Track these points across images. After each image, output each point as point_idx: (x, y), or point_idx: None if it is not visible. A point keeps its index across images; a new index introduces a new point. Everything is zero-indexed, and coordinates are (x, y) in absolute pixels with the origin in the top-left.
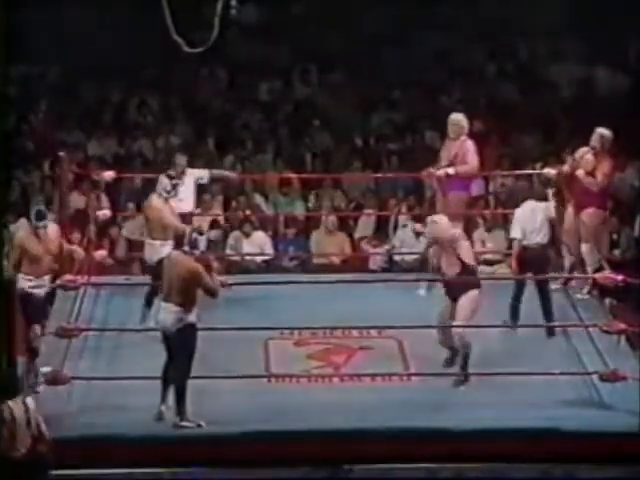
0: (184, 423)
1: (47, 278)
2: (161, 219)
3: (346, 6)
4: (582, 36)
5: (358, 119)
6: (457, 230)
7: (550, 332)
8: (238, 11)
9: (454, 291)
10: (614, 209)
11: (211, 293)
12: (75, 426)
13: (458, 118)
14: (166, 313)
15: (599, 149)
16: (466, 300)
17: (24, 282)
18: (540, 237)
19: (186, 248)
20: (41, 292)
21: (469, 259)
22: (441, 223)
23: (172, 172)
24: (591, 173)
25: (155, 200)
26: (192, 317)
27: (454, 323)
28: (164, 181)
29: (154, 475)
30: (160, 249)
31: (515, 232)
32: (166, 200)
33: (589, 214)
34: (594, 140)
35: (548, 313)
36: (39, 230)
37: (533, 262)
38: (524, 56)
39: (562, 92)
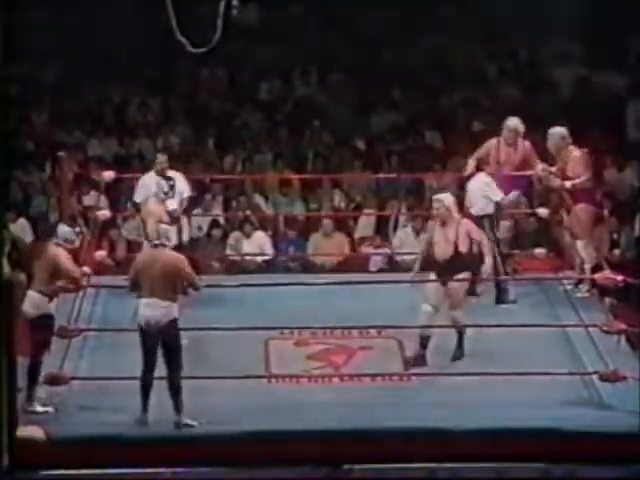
0: (188, 421)
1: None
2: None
3: (346, 6)
4: (582, 36)
5: (358, 119)
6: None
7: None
8: (240, 11)
9: (445, 274)
10: (614, 209)
11: (194, 286)
12: (75, 426)
13: (516, 124)
14: (154, 309)
15: (554, 149)
16: (457, 283)
17: (45, 303)
18: (474, 209)
19: (157, 242)
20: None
21: (463, 245)
22: (446, 201)
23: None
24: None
25: (152, 203)
26: (177, 311)
27: (448, 308)
28: (161, 182)
29: (154, 475)
30: None
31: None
32: (162, 202)
33: (578, 210)
34: (549, 141)
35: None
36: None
37: None
38: (524, 56)
39: (562, 92)
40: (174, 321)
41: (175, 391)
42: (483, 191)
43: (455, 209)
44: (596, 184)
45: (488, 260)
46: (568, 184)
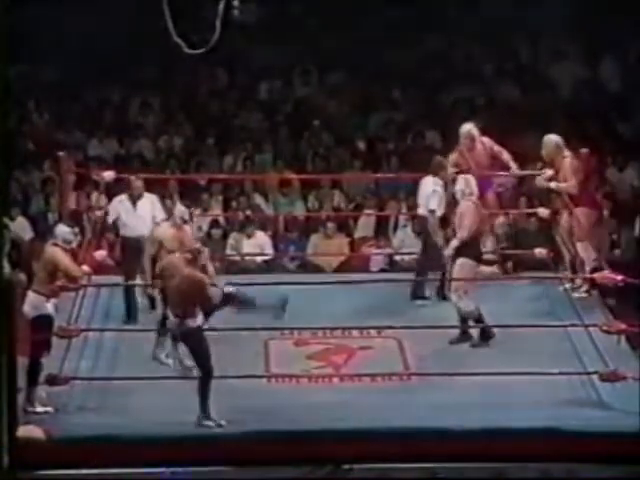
0: (206, 422)
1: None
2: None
3: (346, 6)
4: (582, 36)
5: (358, 119)
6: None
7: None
8: (240, 11)
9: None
10: (614, 209)
11: (206, 310)
12: (75, 426)
13: (470, 129)
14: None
15: (547, 157)
16: (455, 268)
17: (43, 303)
18: (421, 210)
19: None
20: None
21: (459, 228)
22: (458, 180)
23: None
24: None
25: (164, 224)
26: (195, 321)
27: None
28: (182, 210)
29: (154, 475)
30: None
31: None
32: (179, 228)
33: (579, 213)
34: (543, 149)
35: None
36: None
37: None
38: (524, 56)
39: (562, 92)
40: (197, 328)
41: (200, 394)
42: (427, 195)
43: (461, 191)
44: (596, 185)
45: (452, 243)
46: (552, 185)
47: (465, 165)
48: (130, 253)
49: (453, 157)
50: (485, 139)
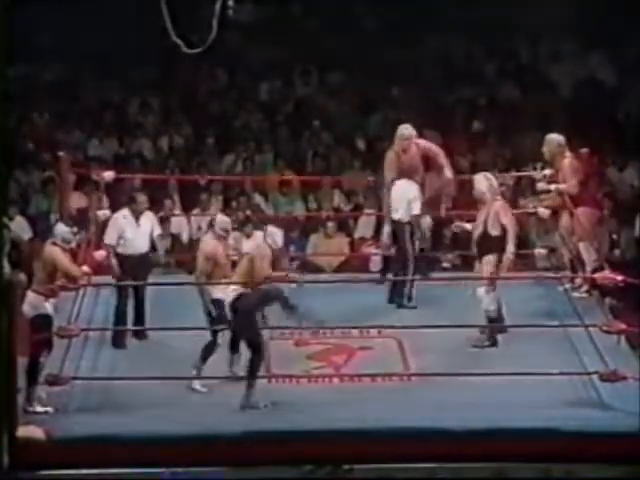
0: (250, 403)
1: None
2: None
3: (346, 6)
4: (582, 36)
5: (358, 119)
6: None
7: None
8: (235, 11)
9: (478, 252)
10: (614, 209)
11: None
12: (75, 426)
13: (410, 132)
14: None
15: (549, 154)
16: (482, 266)
17: (42, 302)
18: (396, 214)
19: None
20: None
21: (492, 227)
22: (479, 184)
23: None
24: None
25: (210, 239)
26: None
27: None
28: (224, 220)
29: (154, 475)
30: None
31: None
32: (222, 239)
33: (580, 213)
34: (544, 146)
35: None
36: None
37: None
38: (524, 56)
39: (562, 92)
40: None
41: (248, 376)
42: (407, 200)
43: (490, 191)
44: (596, 185)
45: (509, 247)
46: (552, 187)
47: (402, 165)
48: (129, 270)
49: (391, 156)
50: (421, 141)
